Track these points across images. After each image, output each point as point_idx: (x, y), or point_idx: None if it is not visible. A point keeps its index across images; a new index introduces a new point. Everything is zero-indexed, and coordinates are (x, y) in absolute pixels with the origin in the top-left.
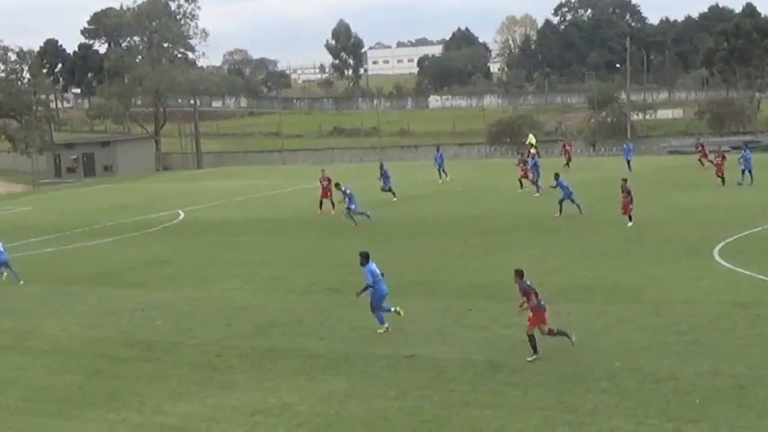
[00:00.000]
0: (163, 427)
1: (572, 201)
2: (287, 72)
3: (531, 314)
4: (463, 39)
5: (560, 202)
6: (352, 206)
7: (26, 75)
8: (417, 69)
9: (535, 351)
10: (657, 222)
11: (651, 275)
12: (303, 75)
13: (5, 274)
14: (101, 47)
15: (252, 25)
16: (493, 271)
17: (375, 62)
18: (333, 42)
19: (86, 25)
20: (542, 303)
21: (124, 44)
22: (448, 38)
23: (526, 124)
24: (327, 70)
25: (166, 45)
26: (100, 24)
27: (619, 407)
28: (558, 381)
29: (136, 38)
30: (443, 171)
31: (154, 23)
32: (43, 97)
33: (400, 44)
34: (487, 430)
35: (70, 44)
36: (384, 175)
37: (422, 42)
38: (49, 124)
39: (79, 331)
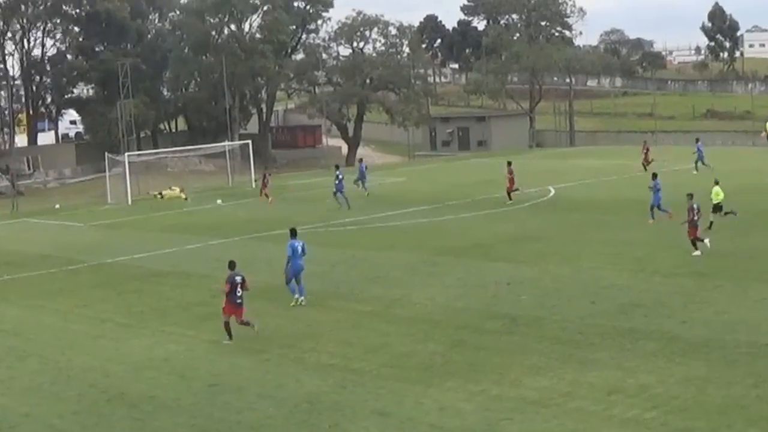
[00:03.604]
0: (521, 400)
1: None
2: (663, 53)
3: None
4: None
5: None
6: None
7: (406, 50)
8: None
9: None
10: None
11: None
12: (678, 56)
13: None
14: (480, 24)
15: (630, 5)
16: None
17: (751, 45)
18: (709, 24)
19: (466, 2)
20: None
21: (502, 21)
22: None
23: None
24: (702, 52)
25: (543, 23)
26: (480, 1)
27: None
28: None
29: (514, 16)
30: (703, 163)
31: (532, 1)
32: (422, 71)
33: None
34: None
35: (450, 20)
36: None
37: None
38: (426, 98)
39: (445, 302)
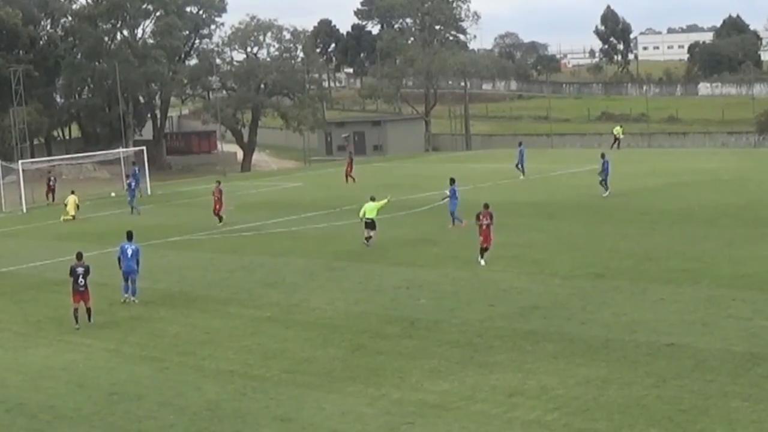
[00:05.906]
0: (422, 404)
1: None
2: (557, 56)
3: None
4: (733, 26)
5: None
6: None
7: (300, 54)
8: (687, 55)
9: None
10: None
11: None
12: (573, 59)
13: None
14: (374, 28)
15: (523, 9)
16: (759, 261)
17: (645, 48)
18: (602, 27)
19: (360, 6)
20: None
21: (396, 26)
22: (718, 25)
23: None
24: (596, 55)
25: (437, 27)
26: (373, 5)
27: None
28: None
29: (408, 20)
30: (521, 167)
31: (426, 5)
32: (316, 76)
33: (670, 30)
34: (745, 422)
35: (344, 24)
36: None
37: (693, 28)
38: (321, 103)
39: (344, 306)
